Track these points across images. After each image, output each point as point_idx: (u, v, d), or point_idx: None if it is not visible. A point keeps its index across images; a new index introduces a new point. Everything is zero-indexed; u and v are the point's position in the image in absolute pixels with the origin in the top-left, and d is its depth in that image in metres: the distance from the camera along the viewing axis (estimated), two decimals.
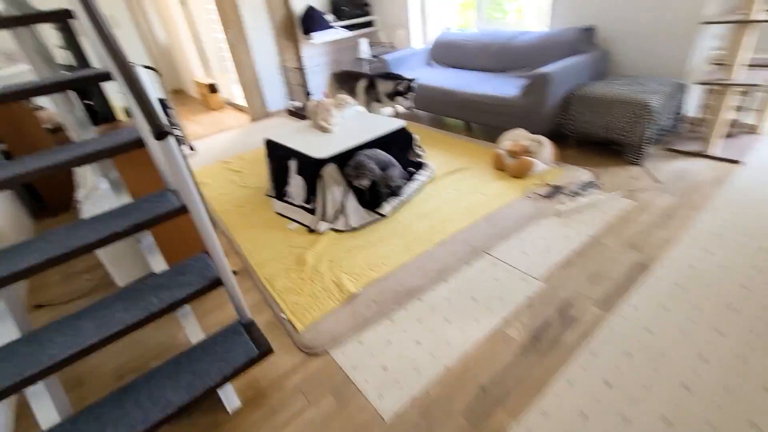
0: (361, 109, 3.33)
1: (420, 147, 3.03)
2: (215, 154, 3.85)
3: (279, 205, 2.63)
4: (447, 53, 3.94)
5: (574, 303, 1.63)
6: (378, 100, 3.29)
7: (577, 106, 2.73)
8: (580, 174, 2.53)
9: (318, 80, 4.94)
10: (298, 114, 4.60)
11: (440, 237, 2.12)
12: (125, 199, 1.62)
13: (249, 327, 1.46)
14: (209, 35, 5.31)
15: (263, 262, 2.14)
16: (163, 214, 1.26)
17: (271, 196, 2.81)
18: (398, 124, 2.71)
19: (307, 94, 4.71)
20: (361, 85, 3.35)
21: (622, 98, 2.48)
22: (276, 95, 4.86)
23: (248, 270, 2.11)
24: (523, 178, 2.57)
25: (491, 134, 3.38)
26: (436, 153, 3.15)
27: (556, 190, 2.37)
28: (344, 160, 2.40)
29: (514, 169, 2.57)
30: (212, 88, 5.47)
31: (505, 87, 3.03)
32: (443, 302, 1.73)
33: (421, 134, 3.56)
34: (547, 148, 2.60)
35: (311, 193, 2.43)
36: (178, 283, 1.38)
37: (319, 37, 4.50)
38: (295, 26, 4.53)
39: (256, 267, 2.10)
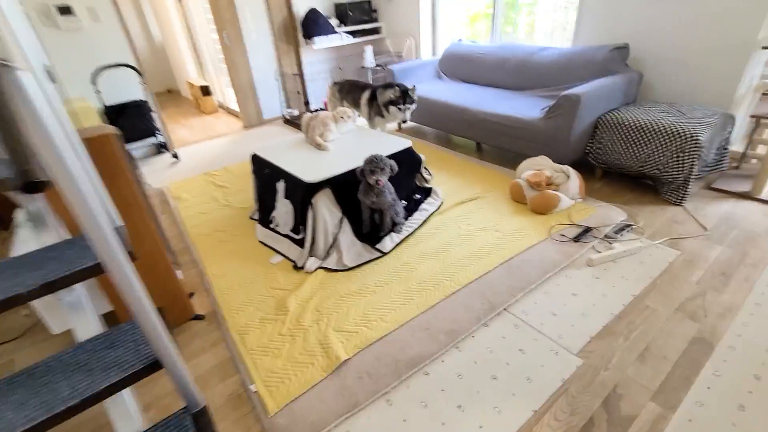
0: (364, 123, 3.00)
1: (427, 170, 2.70)
2: (200, 164, 3.50)
3: (262, 232, 2.27)
4: (458, 66, 3.63)
5: (623, 393, 1.28)
6: (380, 114, 2.97)
7: (608, 134, 2.41)
8: (613, 213, 2.19)
9: (318, 88, 4.62)
10: (294, 123, 4.27)
11: (450, 286, 1.77)
12: (52, 236, 1.26)
13: (199, 419, 1.09)
14: (204, 34, 4.99)
15: (237, 306, 1.77)
16: (73, 274, 0.90)
17: (255, 220, 2.45)
18: (404, 143, 2.37)
19: (306, 103, 4.38)
20: (365, 96, 3.03)
21: (664, 129, 2.16)
22: (272, 102, 4.53)
23: (218, 316, 1.75)
24: (546, 214, 2.23)
25: (505, 158, 3.05)
26: (444, 177, 2.81)
27: (585, 233, 2.03)
28: (341, 184, 2.06)
29: (536, 203, 2.23)
30: (205, 91, 5.13)
31: (525, 107, 2.71)
32: (455, 380, 1.37)
33: (426, 153, 3.23)
34: (574, 180, 2.27)
35: (300, 222, 2.08)
36: (104, 362, 1.02)
37: (321, 42, 4.19)
38: (296, 29, 4.22)
39: (228, 313, 1.74)
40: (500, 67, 3.26)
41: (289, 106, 4.62)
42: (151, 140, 3.71)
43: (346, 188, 2.09)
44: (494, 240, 2.06)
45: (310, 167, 2.12)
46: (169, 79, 6.97)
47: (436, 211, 2.37)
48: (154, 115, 3.47)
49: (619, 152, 2.38)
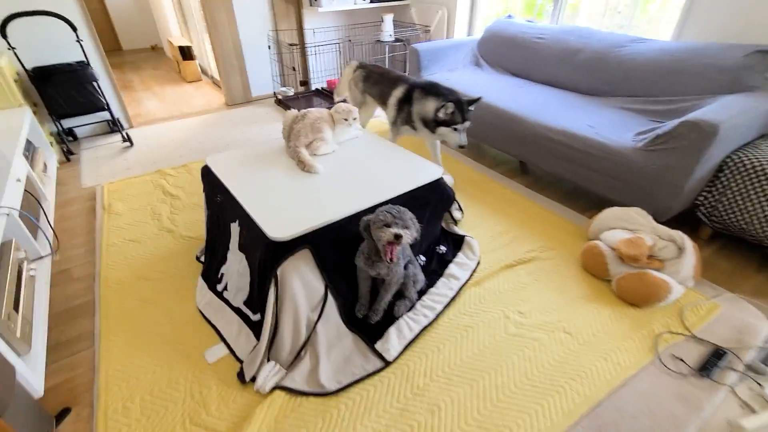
0: (364, 132, 2.17)
1: (457, 203, 1.90)
2: (158, 154, 2.69)
3: (205, 296, 1.49)
4: (506, 52, 2.74)
5: None
6: (412, 125, 2.05)
7: (739, 184, 1.59)
8: (748, 317, 1.41)
9: (322, 63, 3.72)
10: (288, 106, 3.41)
11: None
12: None
13: None
14: None
15: None
16: None
17: (201, 262, 1.67)
18: (433, 172, 1.56)
19: (303, 82, 3.52)
20: (397, 94, 2.09)
21: None
22: (263, 75, 3.65)
23: None
24: (644, 307, 1.45)
25: (564, 189, 2.23)
26: (478, 212, 2.00)
27: (717, 360, 1.25)
28: (329, 238, 1.27)
29: (631, 289, 1.44)
30: (186, 53, 4.23)
31: (608, 126, 1.87)
32: None
33: (449, 169, 2.40)
34: (689, 257, 1.47)
35: (259, 296, 1.30)
36: None
37: (330, 4, 3.27)
38: None
39: None
40: (567, 59, 2.38)
41: (283, 84, 3.74)
42: (99, 115, 2.89)
43: (337, 244, 1.31)
44: (566, 353, 1.28)
45: (282, 206, 1.32)
46: (155, 33, 6.02)
47: (470, 279, 1.59)
48: (97, 84, 2.62)
49: (755, 213, 1.56)
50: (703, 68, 1.84)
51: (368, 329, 1.35)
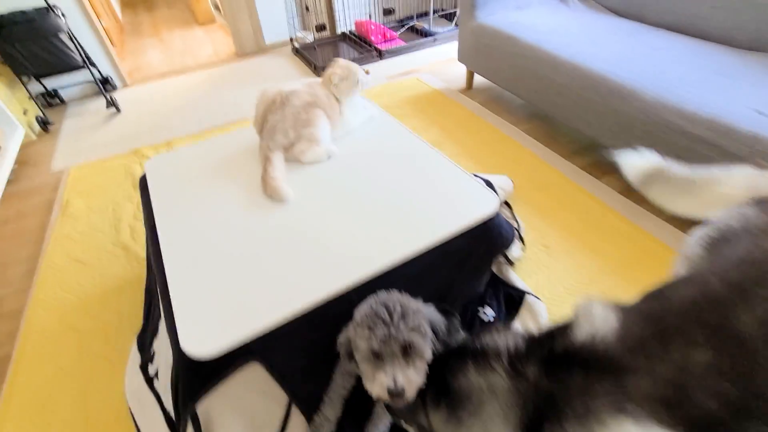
0: (380, 114, 1.56)
1: (518, 232, 1.27)
2: (144, 126, 2.22)
3: (133, 380, 1.03)
4: None
5: None
6: None
7: None
8: None
9: (350, 6, 2.94)
10: (306, 58, 2.75)
11: None
12: None
13: None
14: None
15: None
16: None
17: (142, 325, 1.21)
18: (485, 203, 0.93)
19: (320, 26, 2.79)
20: None
21: None
22: (277, 17, 2.97)
23: None
24: None
25: None
26: (549, 243, 1.34)
27: None
28: (289, 340, 0.75)
29: None
30: None
31: None
32: None
33: (508, 156, 1.71)
34: None
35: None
36: None
37: None
38: None
39: None
40: None
41: (303, 27, 3.04)
42: (86, 74, 2.43)
43: (308, 335, 0.78)
44: None
45: (223, 276, 0.79)
46: None
47: None
48: (72, 34, 2.12)
49: None
50: None
51: None
